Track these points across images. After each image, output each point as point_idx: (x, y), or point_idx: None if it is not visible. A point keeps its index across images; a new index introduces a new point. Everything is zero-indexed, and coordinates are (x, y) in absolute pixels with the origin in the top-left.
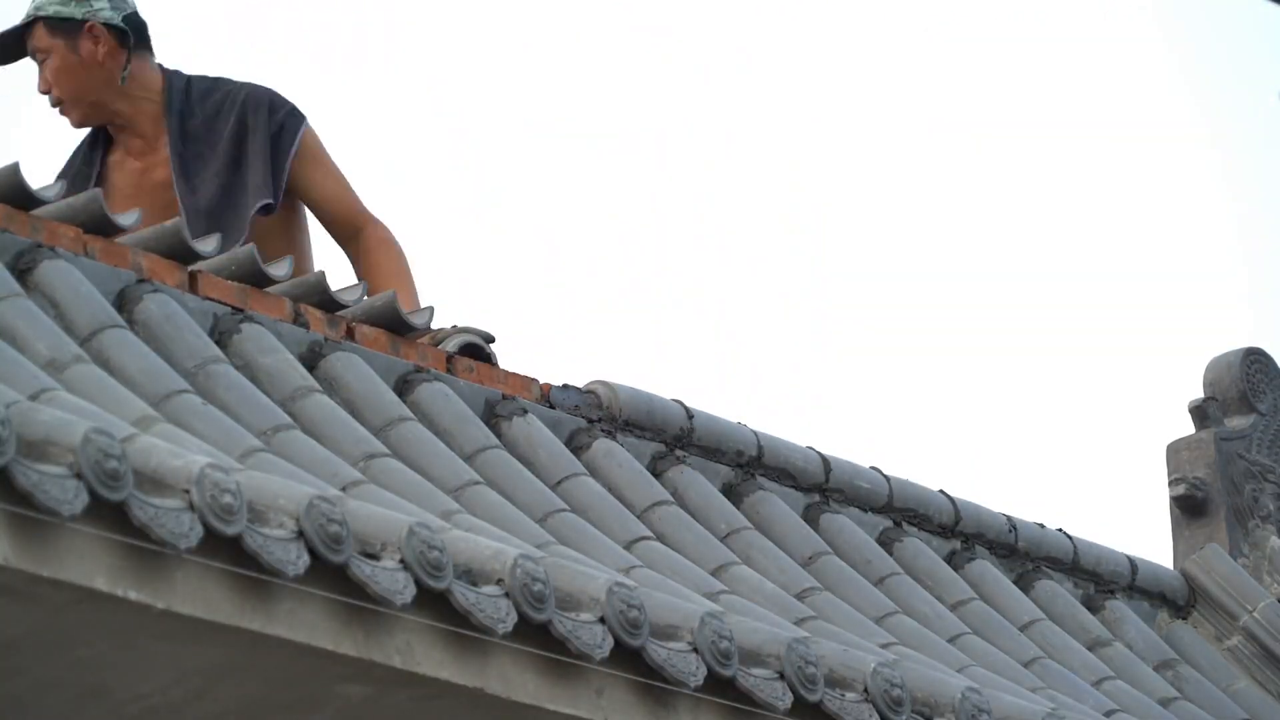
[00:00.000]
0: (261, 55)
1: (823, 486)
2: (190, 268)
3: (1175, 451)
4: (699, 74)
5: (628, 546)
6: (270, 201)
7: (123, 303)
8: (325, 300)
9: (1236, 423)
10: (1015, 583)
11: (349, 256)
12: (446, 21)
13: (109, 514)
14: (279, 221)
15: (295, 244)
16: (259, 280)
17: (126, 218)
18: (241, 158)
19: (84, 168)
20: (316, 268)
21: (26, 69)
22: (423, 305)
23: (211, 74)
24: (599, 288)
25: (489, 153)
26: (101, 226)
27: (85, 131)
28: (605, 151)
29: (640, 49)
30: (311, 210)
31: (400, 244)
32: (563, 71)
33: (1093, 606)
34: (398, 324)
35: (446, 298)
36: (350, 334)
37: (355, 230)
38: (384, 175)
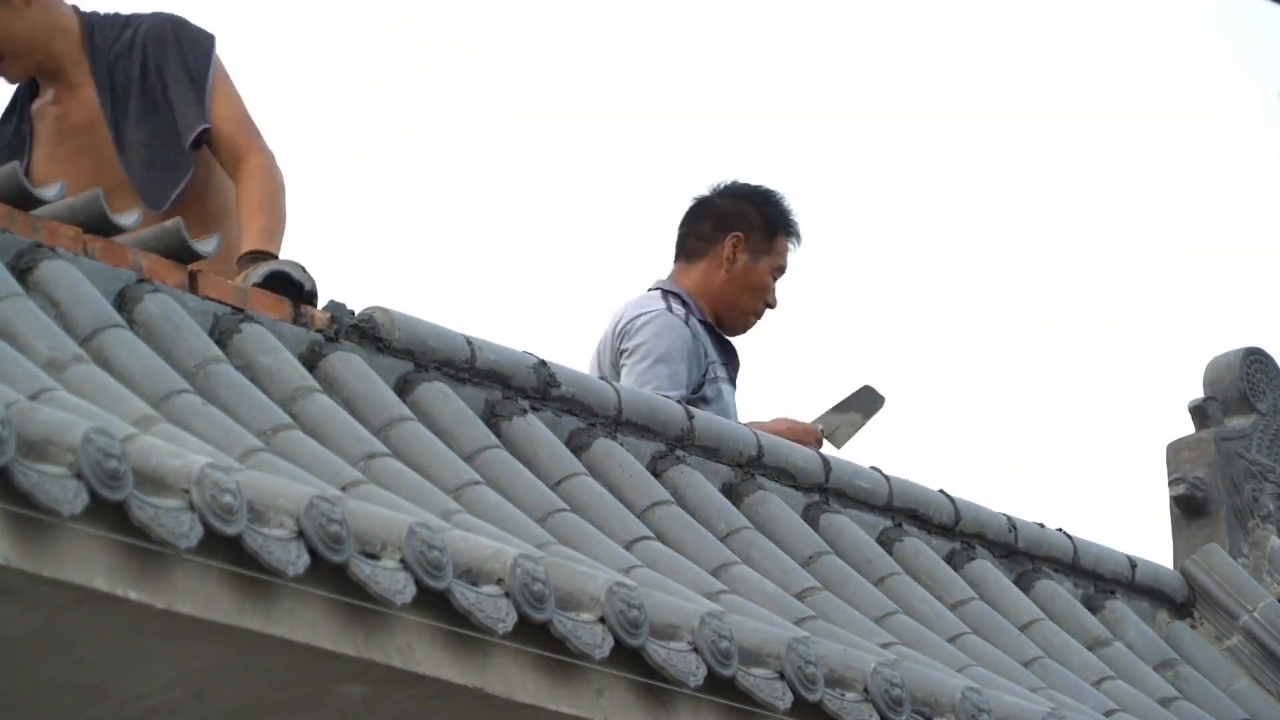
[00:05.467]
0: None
1: (823, 486)
2: (190, 268)
3: (1175, 451)
4: (701, 69)
5: (628, 546)
6: (207, 125)
7: (123, 303)
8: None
9: (1236, 423)
10: (1015, 583)
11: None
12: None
13: (109, 514)
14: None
15: (222, 197)
16: (182, 254)
17: (126, 218)
18: (162, 95)
19: (17, 122)
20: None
21: None
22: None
23: (115, 9)
24: (601, 287)
25: (488, 147)
26: (101, 226)
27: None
28: (607, 149)
29: (641, 46)
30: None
31: (279, 176)
32: (563, 64)
33: (1093, 606)
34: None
35: (450, 284)
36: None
37: (240, 158)
38: (379, 177)
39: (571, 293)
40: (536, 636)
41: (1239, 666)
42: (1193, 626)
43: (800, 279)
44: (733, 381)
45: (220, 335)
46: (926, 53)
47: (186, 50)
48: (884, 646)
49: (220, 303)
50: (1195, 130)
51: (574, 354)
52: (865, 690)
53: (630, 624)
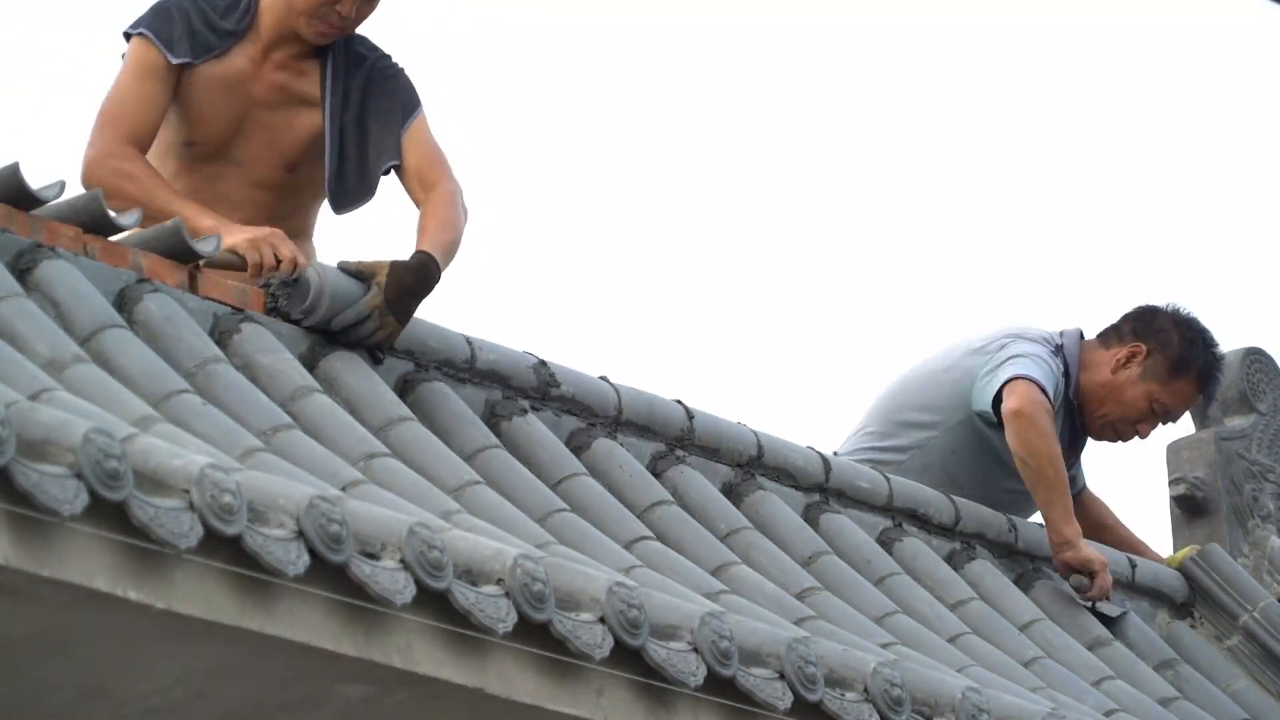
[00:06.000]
0: None
1: (823, 486)
2: (190, 267)
3: (1175, 451)
4: (704, 70)
5: (628, 546)
6: (398, 161)
7: (123, 303)
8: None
9: (1236, 423)
10: (1015, 583)
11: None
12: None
13: (109, 514)
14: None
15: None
16: (182, 254)
17: (126, 218)
18: (373, 119)
19: (214, 35)
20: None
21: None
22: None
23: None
24: (601, 287)
25: (490, 148)
26: (101, 226)
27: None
28: (608, 150)
29: (641, 48)
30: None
31: (464, 205)
32: (564, 67)
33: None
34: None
35: (450, 283)
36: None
37: (432, 184)
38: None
39: (572, 293)
40: (536, 636)
41: (1239, 666)
42: (1193, 626)
43: (803, 281)
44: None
45: (220, 335)
46: (925, 55)
47: (405, 93)
48: (884, 646)
49: (220, 303)
50: (1195, 130)
51: (574, 354)
52: (865, 690)
53: (630, 624)
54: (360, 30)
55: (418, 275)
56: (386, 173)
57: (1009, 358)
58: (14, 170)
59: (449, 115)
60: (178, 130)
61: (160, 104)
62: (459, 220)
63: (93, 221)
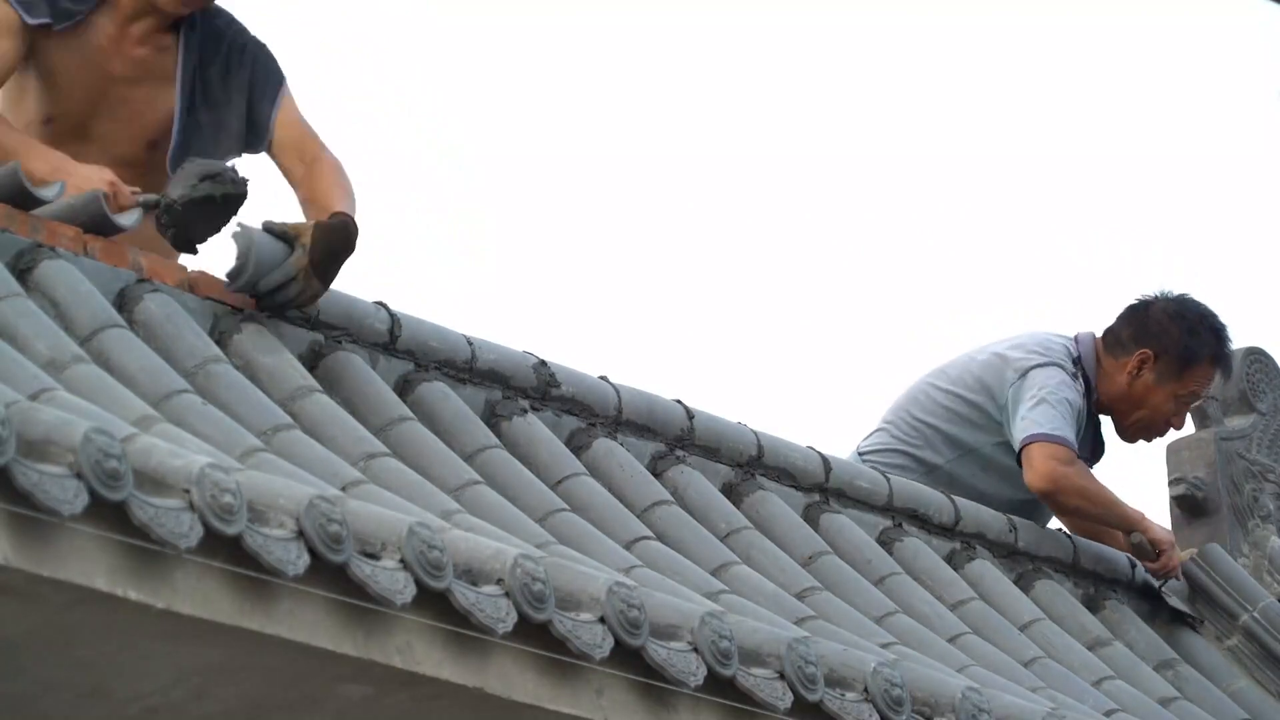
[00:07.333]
0: None
1: (823, 486)
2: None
3: (1175, 451)
4: (701, 70)
5: (628, 546)
6: (267, 142)
7: (123, 302)
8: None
9: (1236, 423)
10: (1015, 583)
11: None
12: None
13: (109, 514)
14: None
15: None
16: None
17: (127, 218)
18: (226, 103)
19: (72, 1)
20: None
21: None
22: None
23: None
24: (601, 287)
25: (490, 148)
26: (101, 226)
27: None
28: (608, 150)
29: (641, 47)
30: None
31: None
32: (566, 68)
33: (1093, 606)
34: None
35: (452, 293)
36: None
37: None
38: (381, 176)
39: (572, 293)
40: (536, 636)
41: (1239, 666)
42: (1192, 627)
43: (804, 282)
44: None
45: (220, 335)
46: (926, 56)
47: (264, 70)
48: (884, 646)
49: (220, 302)
50: (1196, 130)
51: (574, 354)
52: (865, 690)
53: (630, 624)
54: (226, 5)
55: (342, 236)
56: (256, 152)
57: (1030, 400)
58: (14, 170)
59: (451, 115)
60: (38, 106)
61: (9, 60)
62: (351, 188)
63: (93, 221)
